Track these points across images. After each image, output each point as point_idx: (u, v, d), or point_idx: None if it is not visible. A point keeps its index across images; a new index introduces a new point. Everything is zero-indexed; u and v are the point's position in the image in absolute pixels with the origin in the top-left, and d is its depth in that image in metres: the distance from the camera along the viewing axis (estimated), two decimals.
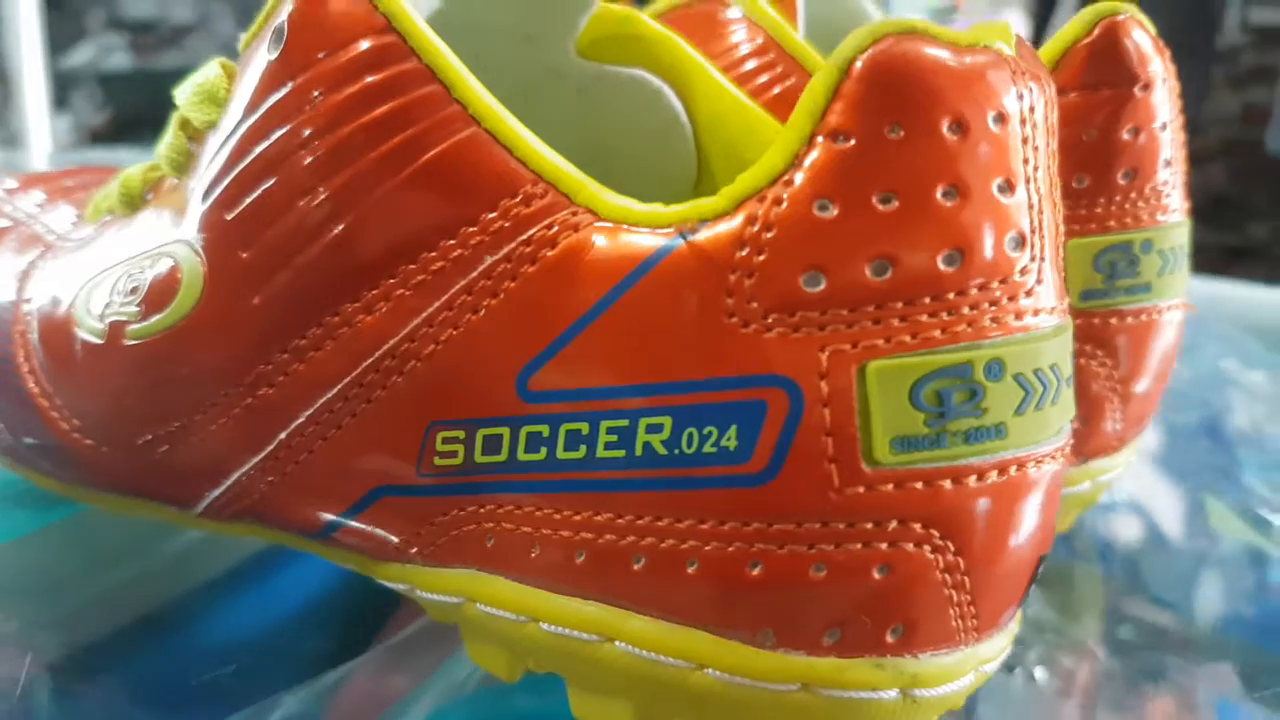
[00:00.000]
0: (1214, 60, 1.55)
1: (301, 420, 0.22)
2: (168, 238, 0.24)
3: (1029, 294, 0.19)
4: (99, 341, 0.24)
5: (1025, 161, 0.19)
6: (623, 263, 0.19)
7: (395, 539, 0.22)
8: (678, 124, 0.26)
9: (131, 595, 0.32)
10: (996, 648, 0.20)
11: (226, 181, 0.22)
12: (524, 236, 0.20)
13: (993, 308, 0.18)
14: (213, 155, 0.22)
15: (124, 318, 0.23)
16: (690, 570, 0.19)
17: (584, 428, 0.19)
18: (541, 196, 0.20)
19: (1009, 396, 0.19)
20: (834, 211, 0.18)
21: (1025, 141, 0.19)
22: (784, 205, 0.18)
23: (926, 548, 0.19)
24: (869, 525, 0.18)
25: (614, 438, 0.19)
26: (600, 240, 0.19)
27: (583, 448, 0.20)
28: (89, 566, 0.32)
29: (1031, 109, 0.19)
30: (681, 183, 0.27)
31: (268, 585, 0.35)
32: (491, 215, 0.20)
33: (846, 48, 0.18)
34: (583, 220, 0.20)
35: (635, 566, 0.19)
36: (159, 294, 0.23)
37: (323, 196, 0.20)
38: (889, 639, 0.19)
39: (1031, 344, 0.19)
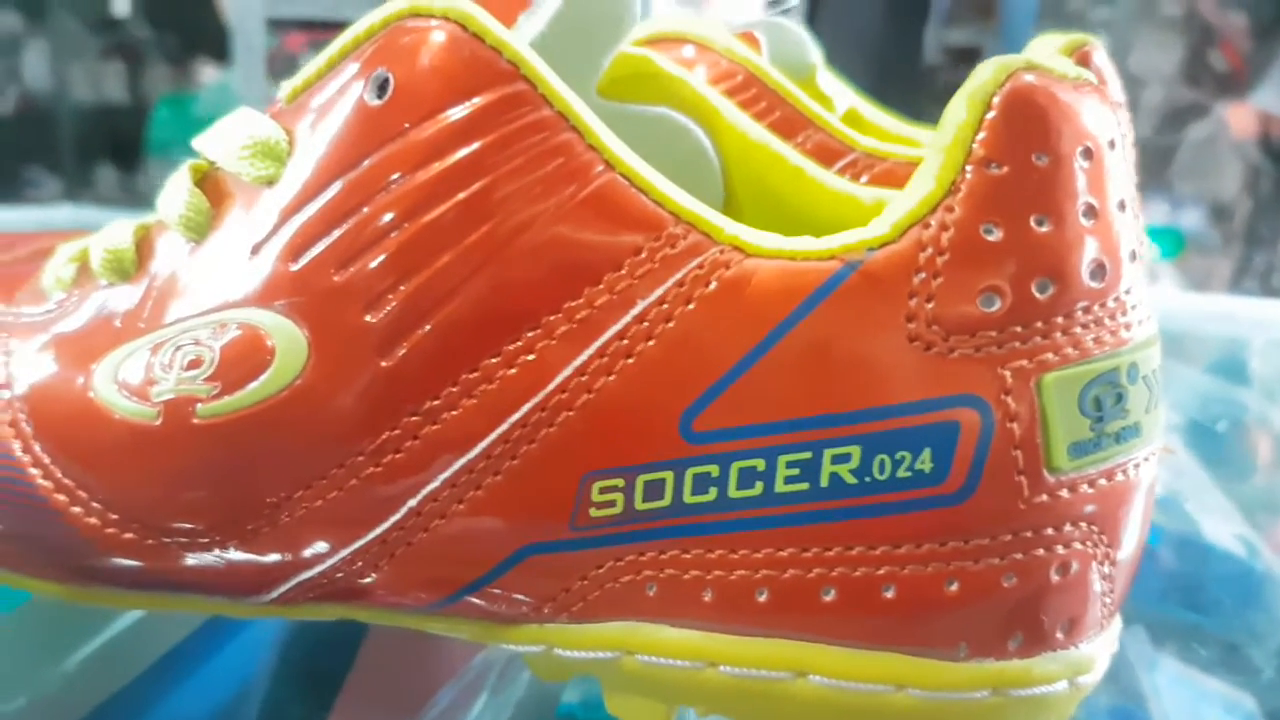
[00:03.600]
0: (918, 80, 1.70)
1: (436, 485, 0.20)
2: (215, 302, 0.22)
3: (1142, 302, 0.20)
4: (154, 424, 0.21)
5: (1128, 182, 0.20)
6: (789, 295, 0.19)
7: (537, 599, 0.21)
8: (704, 157, 0.27)
9: (78, 692, 0.29)
10: (1118, 630, 0.22)
11: (329, 240, 0.20)
12: (676, 277, 0.19)
13: (1124, 316, 0.20)
14: (287, 213, 0.21)
15: (188, 394, 0.21)
16: (886, 596, 0.19)
17: (759, 464, 0.19)
18: (684, 237, 0.20)
19: (1141, 397, 0.20)
20: (999, 235, 0.19)
21: (1125, 163, 0.20)
22: (951, 230, 0.19)
23: (1089, 544, 0.20)
24: (1049, 530, 0.19)
25: (795, 471, 0.19)
26: (760, 274, 0.19)
27: (759, 484, 0.19)
28: (25, 668, 0.29)
29: (1124, 134, 0.20)
30: None
31: (219, 658, 0.32)
32: (638, 258, 0.20)
33: (984, 83, 0.19)
34: (732, 258, 0.20)
35: (825, 599, 0.20)
36: (241, 366, 0.21)
37: (461, 251, 0.19)
38: (1058, 635, 0.20)
39: (1149, 347, 0.20)
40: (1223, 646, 0.37)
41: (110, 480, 0.22)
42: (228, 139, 0.22)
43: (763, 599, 0.20)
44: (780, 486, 0.19)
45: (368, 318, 0.20)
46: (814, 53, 0.35)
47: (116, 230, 0.25)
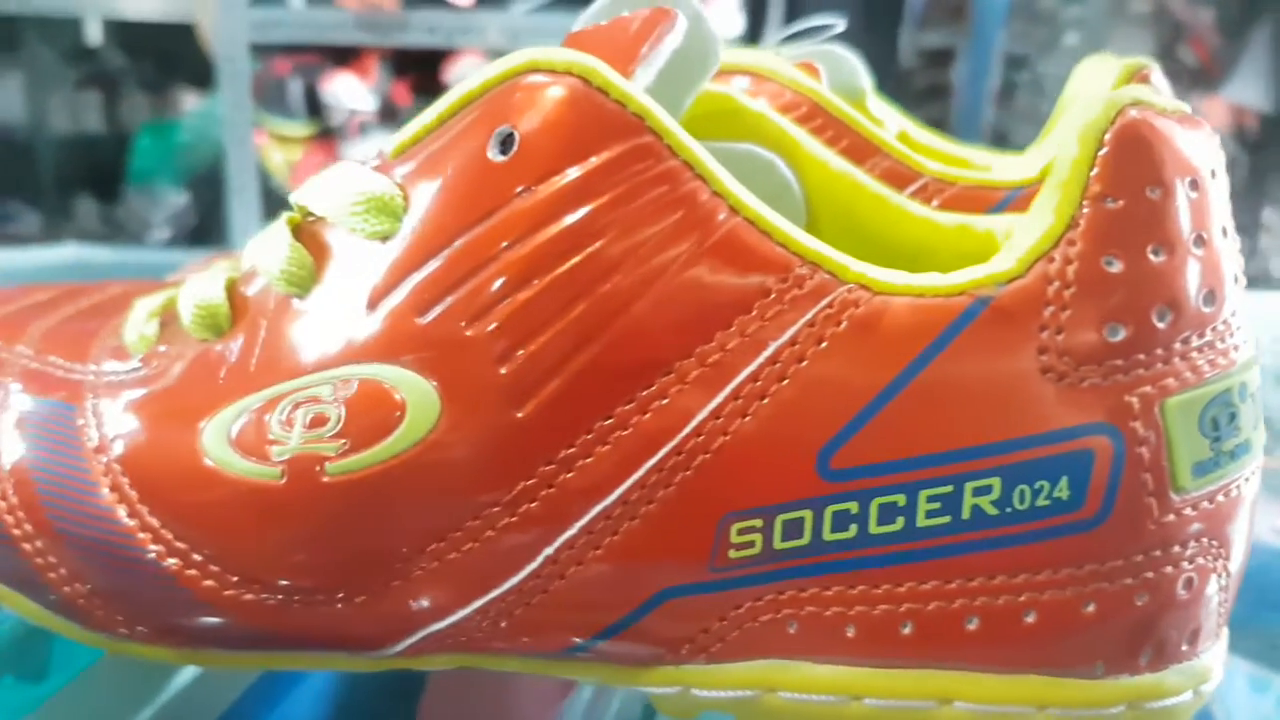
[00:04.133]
0: (896, 82, 1.72)
1: (573, 532, 0.21)
2: (330, 357, 0.22)
3: (1244, 323, 0.21)
4: (278, 483, 0.21)
5: (1227, 208, 0.21)
6: (923, 332, 0.20)
7: (674, 641, 0.21)
8: (788, 191, 0.27)
9: None
10: (1226, 637, 0.23)
11: (458, 295, 0.20)
12: (807, 317, 0.20)
13: (1232, 338, 0.21)
14: (407, 268, 0.21)
15: (313, 453, 0.21)
16: (1027, 621, 0.20)
17: (900, 499, 0.20)
18: (811, 277, 0.20)
19: (1250, 414, 0.21)
20: (1119, 266, 0.19)
21: (1224, 190, 0.21)
22: (1075, 264, 0.19)
23: (1209, 558, 0.20)
24: (1176, 548, 0.20)
25: (936, 505, 0.20)
26: (891, 311, 0.20)
27: (900, 520, 0.20)
28: None
29: (1221, 162, 0.21)
30: None
31: (276, 712, 0.32)
32: (766, 300, 0.20)
33: (1095, 120, 0.20)
34: (860, 296, 0.20)
35: (968, 628, 0.20)
36: (369, 422, 0.21)
37: (594, 302, 0.20)
38: (1184, 647, 0.21)
39: (1253, 366, 0.21)
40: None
41: (228, 542, 0.22)
42: (335, 194, 0.22)
43: (907, 631, 0.20)
44: (921, 520, 0.20)
45: (501, 370, 0.20)
46: (865, 78, 0.35)
47: (204, 284, 0.25)
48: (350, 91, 1.18)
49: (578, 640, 0.22)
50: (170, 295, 0.28)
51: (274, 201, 1.25)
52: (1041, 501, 0.20)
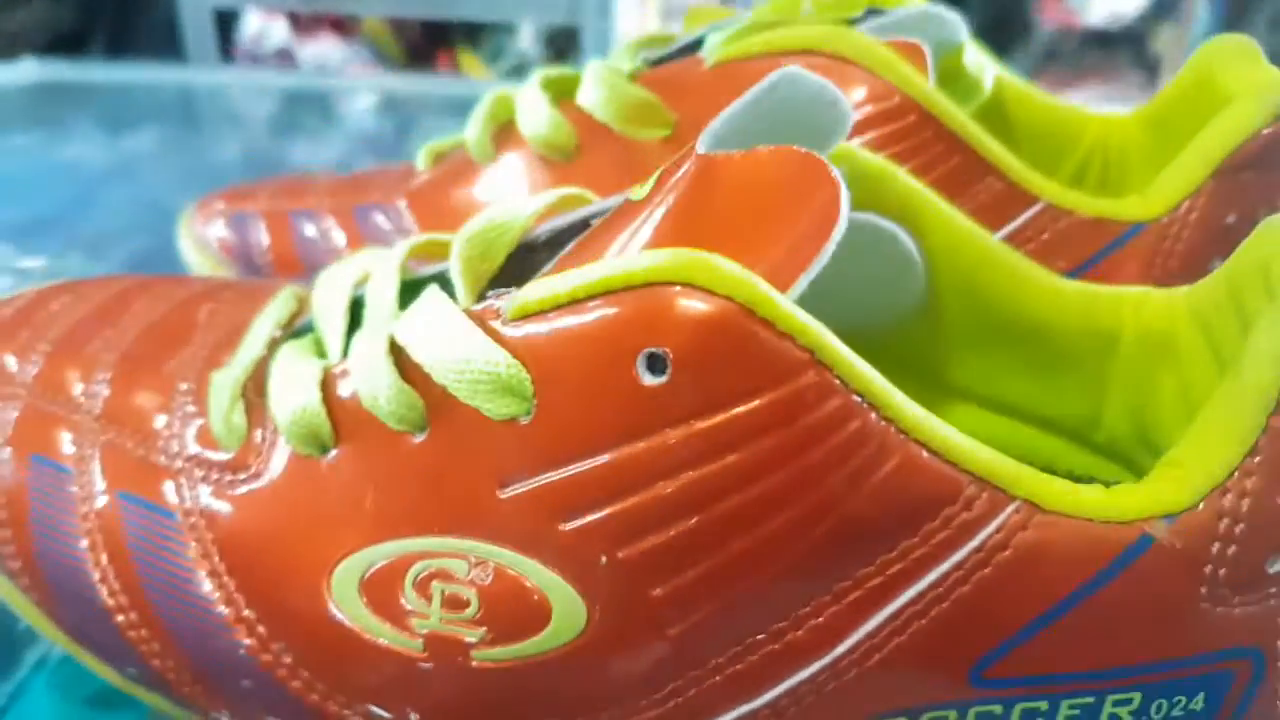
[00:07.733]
0: None
1: None
2: (461, 525, 0.21)
3: None
4: (419, 654, 0.21)
5: None
6: (1089, 562, 0.19)
7: None
8: (911, 266, 0.25)
9: None
10: None
11: (603, 513, 0.19)
12: (973, 544, 0.19)
13: None
14: (545, 463, 0.20)
15: (454, 634, 0.21)
16: None
17: (1042, 706, 0.20)
18: (979, 496, 0.19)
19: None
20: None
21: None
22: (1249, 499, 0.19)
23: None
24: None
25: (1075, 712, 0.20)
26: (1058, 540, 0.19)
27: None
28: None
29: None
30: (910, 318, 0.26)
31: None
32: (933, 525, 0.19)
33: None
34: (1029, 517, 0.19)
35: None
36: (512, 617, 0.21)
37: (757, 538, 0.19)
38: None
39: None
40: None
41: (365, 694, 0.22)
42: (449, 359, 0.21)
43: None
44: None
45: (654, 592, 0.20)
46: (963, 30, 0.32)
47: (296, 386, 0.23)
48: None
49: None
50: (247, 368, 0.26)
51: None
52: (1176, 713, 0.20)
